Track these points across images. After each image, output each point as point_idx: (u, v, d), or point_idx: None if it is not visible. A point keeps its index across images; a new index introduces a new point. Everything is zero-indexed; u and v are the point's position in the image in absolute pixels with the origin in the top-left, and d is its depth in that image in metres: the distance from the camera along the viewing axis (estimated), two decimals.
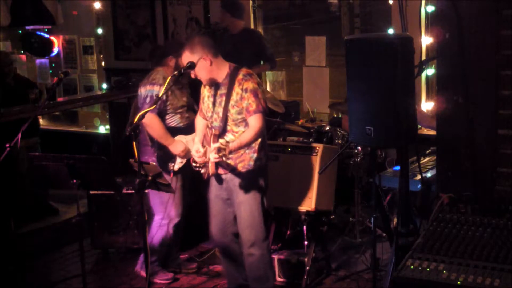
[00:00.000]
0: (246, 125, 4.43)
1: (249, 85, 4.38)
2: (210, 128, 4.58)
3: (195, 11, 7.77)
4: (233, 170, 4.50)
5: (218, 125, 4.49)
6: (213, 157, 4.24)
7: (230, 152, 4.23)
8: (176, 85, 5.03)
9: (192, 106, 5.32)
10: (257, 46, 6.80)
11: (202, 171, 4.60)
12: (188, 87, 5.41)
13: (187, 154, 5.10)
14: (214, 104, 4.51)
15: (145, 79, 5.19)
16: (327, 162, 5.04)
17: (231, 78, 4.43)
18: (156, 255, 5.31)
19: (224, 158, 4.23)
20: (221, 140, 4.14)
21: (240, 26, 6.82)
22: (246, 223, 4.55)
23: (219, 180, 4.60)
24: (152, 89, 5.04)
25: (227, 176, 4.55)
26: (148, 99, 5.03)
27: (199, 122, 4.76)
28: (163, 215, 5.21)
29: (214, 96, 4.51)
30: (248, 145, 4.41)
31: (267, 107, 4.55)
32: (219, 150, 4.11)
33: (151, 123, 5.01)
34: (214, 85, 4.51)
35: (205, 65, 4.40)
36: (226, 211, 4.66)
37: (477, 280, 2.70)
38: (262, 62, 6.87)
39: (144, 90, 5.09)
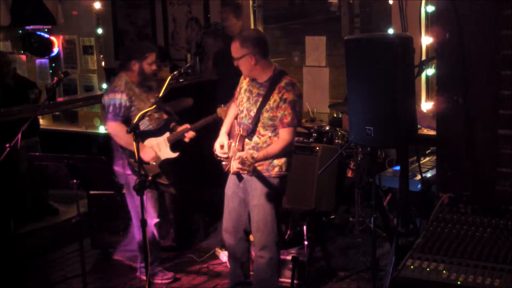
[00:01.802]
0: (274, 130, 4.42)
1: (290, 96, 4.35)
2: (238, 123, 4.57)
3: (195, 11, 7.78)
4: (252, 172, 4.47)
5: (247, 123, 4.47)
6: (235, 166, 4.25)
7: (254, 169, 4.25)
8: (141, 88, 5.05)
9: (162, 107, 5.30)
10: None
11: (224, 163, 4.59)
12: (157, 88, 5.35)
13: (157, 160, 5.09)
14: (248, 100, 4.49)
15: (109, 86, 5.16)
16: (327, 162, 5.04)
17: (273, 82, 4.40)
18: (152, 256, 5.30)
19: (247, 173, 4.24)
20: (248, 154, 4.17)
21: (239, 27, 6.81)
22: (258, 227, 4.55)
23: (239, 178, 4.60)
24: (114, 97, 4.99)
25: (246, 177, 4.53)
26: (111, 108, 4.98)
27: (232, 110, 4.72)
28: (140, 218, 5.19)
29: (251, 92, 4.50)
30: (274, 157, 4.41)
31: (301, 121, 4.53)
32: (243, 162, 4.13)
33: (117, 132, 4.98)
34: (255, 81, 4.49)
35: (249, 63, 4.38)
36: (241, 209, 4.66)
37: (477, 280, 2.70)
38: None
39: (107, 99, 5.04)
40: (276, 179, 4.51)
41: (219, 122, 5.03)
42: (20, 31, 8.98)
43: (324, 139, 5.90)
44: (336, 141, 5.90)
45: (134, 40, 8.32)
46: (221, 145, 4.53)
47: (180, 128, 5.28)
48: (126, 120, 5.02)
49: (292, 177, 5.25)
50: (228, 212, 4.72)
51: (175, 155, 5.21)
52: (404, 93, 3.32)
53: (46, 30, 8.91)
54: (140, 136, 5.03)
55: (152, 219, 5.24)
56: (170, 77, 4.54)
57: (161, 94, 4.51)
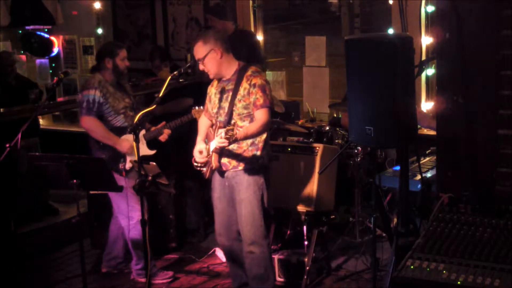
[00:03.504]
0: (251, 120, 4.46)
1: (258, 80, 4.45)
2: (215, 123, 4.60)
3: (195, 11, 7.77)
4: (235, 166, 4.52)
5: (223, 119, 4.51)
6: (218, 141, 4.27)
7: (236, 140, 4.26)
8: (115, 87, 5.17)
9: (136, 106, 5.37)
10: (252, 46, 6.74)
11: (204, 170, 4.60)
12: (131, 89, 5.51)
13: (133, 152, 5.13)
14: (220, 99, 4.55)
15: (82, 86, 5.26)
16: (327, 162, 5.03)
17: (240, 75, 4.50)
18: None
19: (231, 140, 4.22)
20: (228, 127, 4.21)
21: (231, 28, 6.74)
22: (246, 221, 4.56)
23: (223, 177, 4.62)
24: (88, 93, 5.09)
25: (229, 173, 4.56)
26: (85, 104, 5.08)
27: (203, 122, 4.79)
28: (132, 216, 5.20)
29: (221, 92, 4.56)
30: (253, 136, 4.45)
31: (273, 104, 4.59)
32: (227, 131, 4.16)
33: (91, 126, 5.09)
34: (222, 82, 4.57)
35: (215, 57, 4.47)
36: (230, 210, 4.67)
37: (477, 280, 2.70)
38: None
39: (81, 96, 5.14)
40: (260, 171, 4.55)
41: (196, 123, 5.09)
42: (20, 31, 8.98)
43: (324, 139, 5.89)
44: (336, 141, 5.90)
45: (134, 40, 8.32)
46: (200, 151, 4.56)
47: (153, 129, 5.38)
48: (99, 117, 5.10)
49: (292, 177, 5.26)
50: (218, 215, 4.74)
51: (151, 152, 5.28)
52: (404, 93, 3.33)
53: (46, 30, 8.90)
54: (116, 131, 5.10)
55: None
56: (170, 77, 4.54)
57: (161, 94, 4.50)
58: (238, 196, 4.56)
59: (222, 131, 4.22)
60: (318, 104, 7.15)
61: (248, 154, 4.51)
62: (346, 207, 6.37)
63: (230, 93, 4.49)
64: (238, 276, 4.87)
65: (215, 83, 4.67)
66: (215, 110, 4.60)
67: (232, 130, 4.17)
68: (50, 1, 8.60)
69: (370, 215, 4.44)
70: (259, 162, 4.54)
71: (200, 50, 4.49)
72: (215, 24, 6.70)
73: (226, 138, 4.17)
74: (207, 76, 4.71)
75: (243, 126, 4.45)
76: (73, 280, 5.48)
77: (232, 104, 4.47)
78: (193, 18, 7.81)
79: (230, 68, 4.54)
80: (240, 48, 6.54)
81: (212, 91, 4.66)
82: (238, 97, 4.46)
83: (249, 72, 4.50)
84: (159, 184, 4.55)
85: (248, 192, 4.52)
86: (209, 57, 4.47)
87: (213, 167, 4.55)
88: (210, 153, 4.51)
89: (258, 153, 4.52)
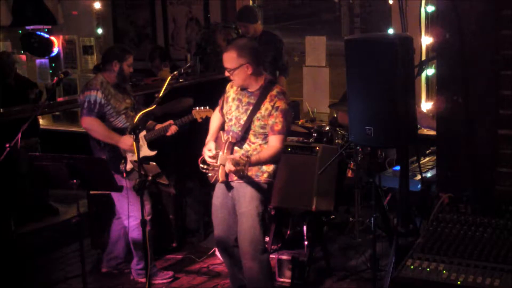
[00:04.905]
0: (264, 138, 4.42)
1: (282, 104, 4.37)
2: (226, 131, 4.55)
3: (195, 11, 7.79)
4: (240, 179, 4.45)
5: (236, 131, 4.45)
6: (228, 168, 4.23)
7: (245, 174, 4.25)
8: (117, 89, 5.16)
9: (137, 106, 5.37)
10: (277, 50, 6.77)
11: (210, 174, 4.58)
12: (131, 89, 5.50)
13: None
14: (238, 109, 4.48)
15: (84, 87, 5.24)
16: (327, 162, 5.04)
17: (264, 91, 4.41)
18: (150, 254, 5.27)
19: (241, 173, 4.22)
20: (241, 155, 4.16)
21: (261, 28, 6.81)
22: (246, 236, 4.50)
23: (228, 187, 4.56)
24: (89, 94, 5.06)
25: (234, 184, 4.51)
26: (86, 104, 5.05)
27: (215, 119, 4.72)
28: (135, 216, 5.18)
29: (240, 101, 4.49)
30: (266, 163, 4.41)
31: (289, 130, 4.56)
32: (237, 164, 4.11)
33: (92, 126, 5.06)
34: (244, 91, 4.48)
35: (245, 72, 4.36)
36: (231, 219, 4.62)
37: (477, 280, 2.70)
38: (277, 73, 6.82)
39: (82, 97, 5.12)
40: (265, 185, 4.50)
41: (201, 124, 5.14)
42: (20, 31, 8.99)
43: (324, 139, 5.89)
44: (336, 141, 5.90)
45: (134, 40, 8.33)
46: (209, 150, 4.50)
47: (158, 126, 5.35)
48: (101, 118, 5.08)
49: (292, 177, 5.25)
50: (218, 223, 4.69)
51: (153, 153, 5.24)
52: (404, 93, 3.33)
53: (46, 30, 8.91)
54: (118, 132, 5.09)
55: (146, 216, 5.23)
56: (170, 77, 4.54)
57: (161, 94, 4.50)
58: (240, 209, 4.50)
59: (233, 159, 4.16)
60: (318, 104, 7.16)
61: (254, 168, 4.43)
62: (346, 207, 6.38)
63: (250, 108, 4.40)
64: (237, 280, 4.83)
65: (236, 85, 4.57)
66: (229, 117, 4.53)
67: (244, 165, 4.12)
68: (50, 1, 8.61)
69: (370, 215, 4.44)
70: (264, 177, 4.48)
71: (232, 61, 4.35)
72: (247, 29, 6.72)
73: (235, 170, 4.14)
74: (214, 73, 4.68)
75: (255, 142, 4.42)
76: (73, 280, 5.48)
77: (250, 120, 4.38)
78: (193, 18, 7.83)
79: (256, 83, 4.42)
80: (265, 49, 6.56)
81: (231, 94, 4.56)
82: (258, 115, 4.37)
83: (274, 92, 4.40)
84: (159, 184, 4.55)
85: (251, 205, 4.46)
86: (240, 71, 4.34)
87: (220, 180, 4.49)
88: (218, 164, 4.46)
89: (265, 167, 4.47)
